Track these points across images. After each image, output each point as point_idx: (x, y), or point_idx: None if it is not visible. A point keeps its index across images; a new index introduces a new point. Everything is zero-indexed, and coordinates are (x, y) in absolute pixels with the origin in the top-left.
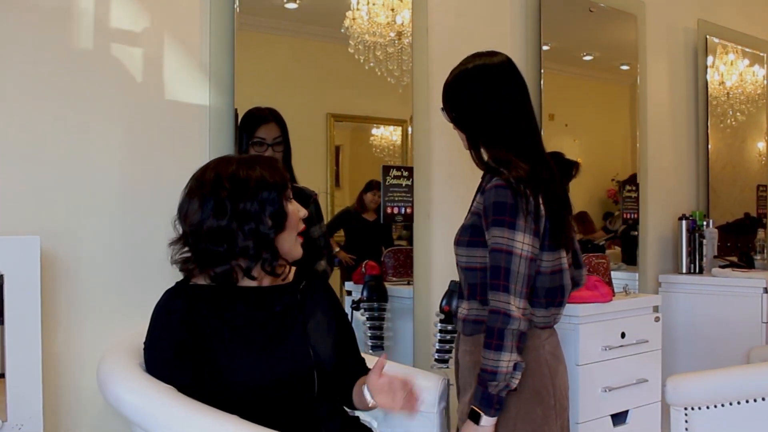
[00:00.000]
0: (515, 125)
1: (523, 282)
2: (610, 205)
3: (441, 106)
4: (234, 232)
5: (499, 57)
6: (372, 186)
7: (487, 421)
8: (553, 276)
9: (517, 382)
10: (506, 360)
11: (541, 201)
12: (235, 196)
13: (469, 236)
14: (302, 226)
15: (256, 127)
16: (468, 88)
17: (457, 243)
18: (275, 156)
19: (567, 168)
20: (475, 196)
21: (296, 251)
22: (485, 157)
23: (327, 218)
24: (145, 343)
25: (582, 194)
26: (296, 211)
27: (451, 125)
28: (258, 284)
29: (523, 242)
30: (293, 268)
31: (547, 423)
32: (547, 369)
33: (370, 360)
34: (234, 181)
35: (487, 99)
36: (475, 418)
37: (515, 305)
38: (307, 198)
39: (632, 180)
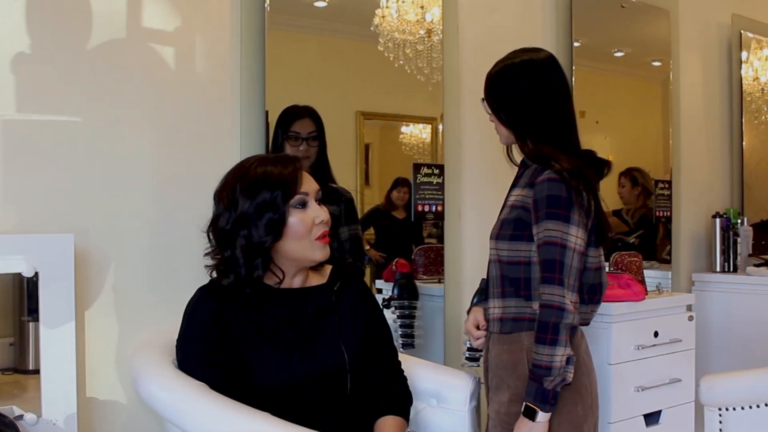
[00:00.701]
0: (559, 121)
1: (576, 276)
2: None
3: (481, 97)
4: (235, 237)
5: (545, 53)
6: (397, 183)
7: (543, 417)
8: (596, 272)
9: (571, 375)
10: (561, 354)
11: (590, 197)
12: (239, 197)
13: (512, 230)
14: (321, 230)
15: (292, 121)
16: (515, 81)
17: (498, 237)
18: (310, 151)
19: (599, 166)
20: (511, 190)
21: (314, 255)
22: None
23: (357, 217)
24: (177, 340)
25: (613, 192)
26: (309, 217)
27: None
28: (288, 286)
29: (576, 236)
30: (328, 268)
31: (586, 421)
32: (584, 367)
33: (404, 358)
34: (241, 181)
35: (534, 94)
36: (531, 415)
37: (569, 299)
38: (338, 197)
39: (627, 173)
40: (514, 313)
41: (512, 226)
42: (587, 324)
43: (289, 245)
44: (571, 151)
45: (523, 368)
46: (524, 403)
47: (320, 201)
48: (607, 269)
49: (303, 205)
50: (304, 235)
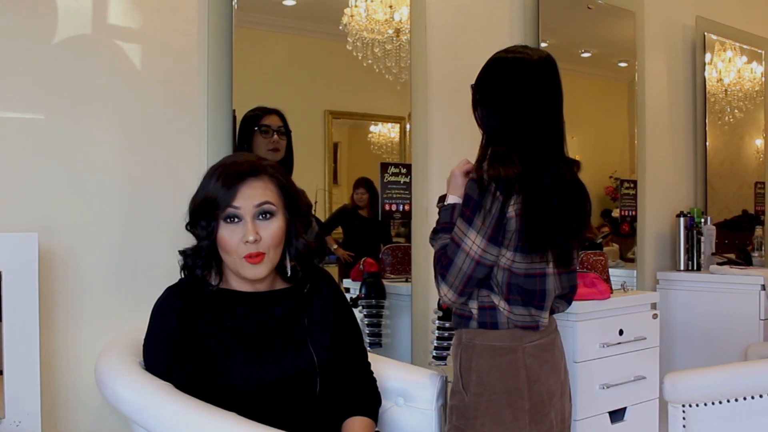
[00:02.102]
0: (527, 123)
1: (462, 279)
2: (608, 202)
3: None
4: (193, 234)
5: (540, 53)
6: (359, 184)
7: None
8: (528, 279)
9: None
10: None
11: (513, 202)
12: (199, 188)
13: None
14: (247, 251)
15: (261, 116)
16: (496, 77)
17: None
18: (280, 144)
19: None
20: None
21: (243, 272)
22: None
23: (325, 215)
24: (144, 339)
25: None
26: (236, 235)
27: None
28: (254, 290)
29: (473, 242)
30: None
31: (518, 426)
32: (524, 372)
33: (373, 358)
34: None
35: (510, 93)
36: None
37: (444, 293)
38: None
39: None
40: (459, 309)
41: None
42: (535, 327)
43: (224, 256)
44: (532, 157)
45: (458, 363)
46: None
47: (267, 214)
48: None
49: (236, 218)
50: (231, 252)
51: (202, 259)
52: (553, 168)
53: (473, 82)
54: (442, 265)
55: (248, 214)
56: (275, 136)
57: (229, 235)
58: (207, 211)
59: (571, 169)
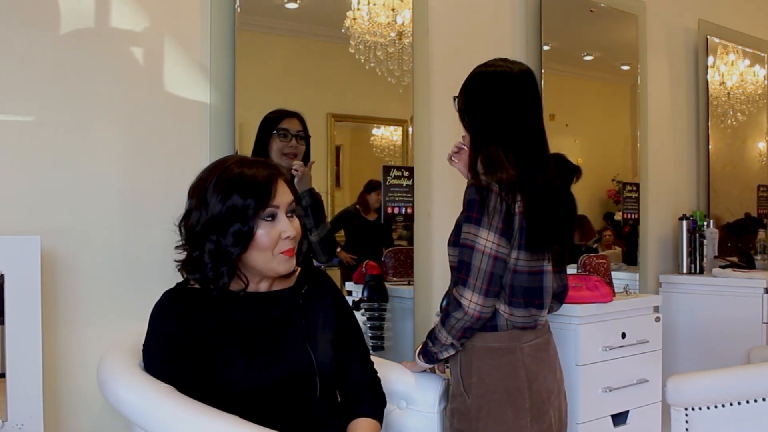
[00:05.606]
0: (515, 130)
1: (484, 279)
2: (611, 206)
3: (448, 101)
4: (204, 240)
5: (520, 66)
6: (373, 187)
7: (421, 364)
8: (532, 276)
9: (446, 356)
10: (444, 336)
11: (519, 199)
12: (212, 195)
13: (455, 236)
14: (287, 246)
15: (280, 119)
16: (480, 90)
17: (448, 243)
18: (299, 148)
19: (570, 172)
20: None
21: (277, 268)
22: (479, 158)
23: (327, 218)
24: (143, 343)
25: (582, 195)
26: (275, 231)
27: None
28: (255, 290)
29: (486, 239)
30: (297, 269)
31: (520, 425)
32: (523, 372)
33: (375, 361)
34: (216, 179)
35: (495, 105)
36: (417, 358)
37: (468, 299)
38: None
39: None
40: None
41: (455, 233)
42: (533, 327)
43: (253, 255)
44: (523, 160)
45: (459, 366)
46: (416, 350)
47: (292, 212)
48: (574, 272)
49: (272, 217)
50: (268, 248)
51: (229, 265)
52: (542, 172)
53: (455, 95)
54: (466, 272)
55: (283, 211)
56: (294, 141)
57: (267, 233)
58: (243, 214)
59: (562, 176)
